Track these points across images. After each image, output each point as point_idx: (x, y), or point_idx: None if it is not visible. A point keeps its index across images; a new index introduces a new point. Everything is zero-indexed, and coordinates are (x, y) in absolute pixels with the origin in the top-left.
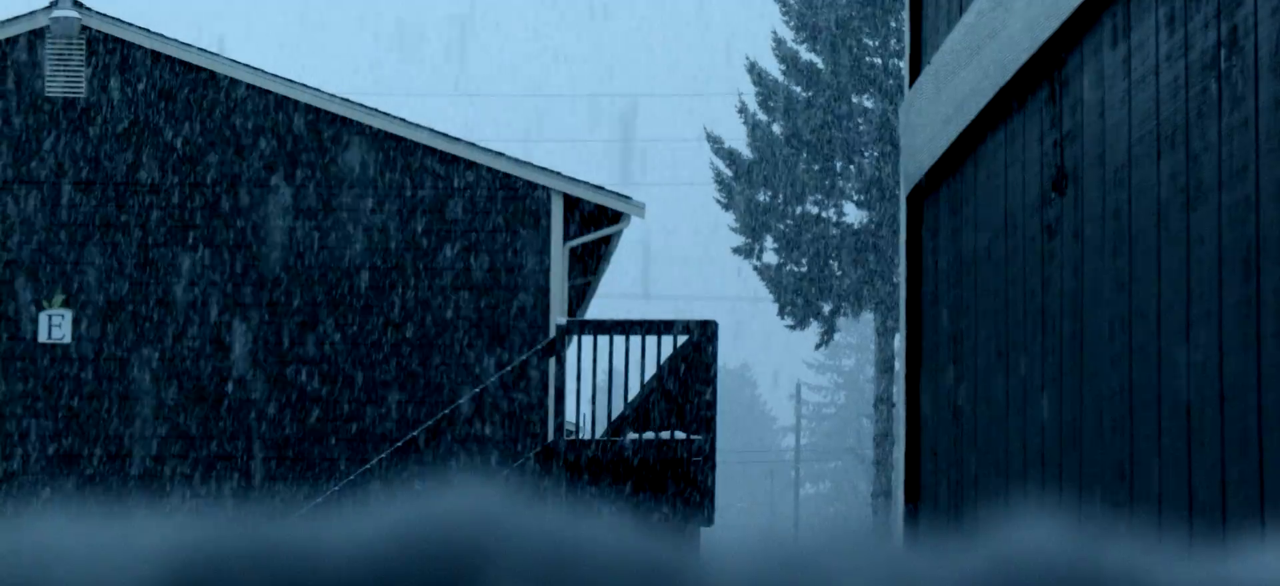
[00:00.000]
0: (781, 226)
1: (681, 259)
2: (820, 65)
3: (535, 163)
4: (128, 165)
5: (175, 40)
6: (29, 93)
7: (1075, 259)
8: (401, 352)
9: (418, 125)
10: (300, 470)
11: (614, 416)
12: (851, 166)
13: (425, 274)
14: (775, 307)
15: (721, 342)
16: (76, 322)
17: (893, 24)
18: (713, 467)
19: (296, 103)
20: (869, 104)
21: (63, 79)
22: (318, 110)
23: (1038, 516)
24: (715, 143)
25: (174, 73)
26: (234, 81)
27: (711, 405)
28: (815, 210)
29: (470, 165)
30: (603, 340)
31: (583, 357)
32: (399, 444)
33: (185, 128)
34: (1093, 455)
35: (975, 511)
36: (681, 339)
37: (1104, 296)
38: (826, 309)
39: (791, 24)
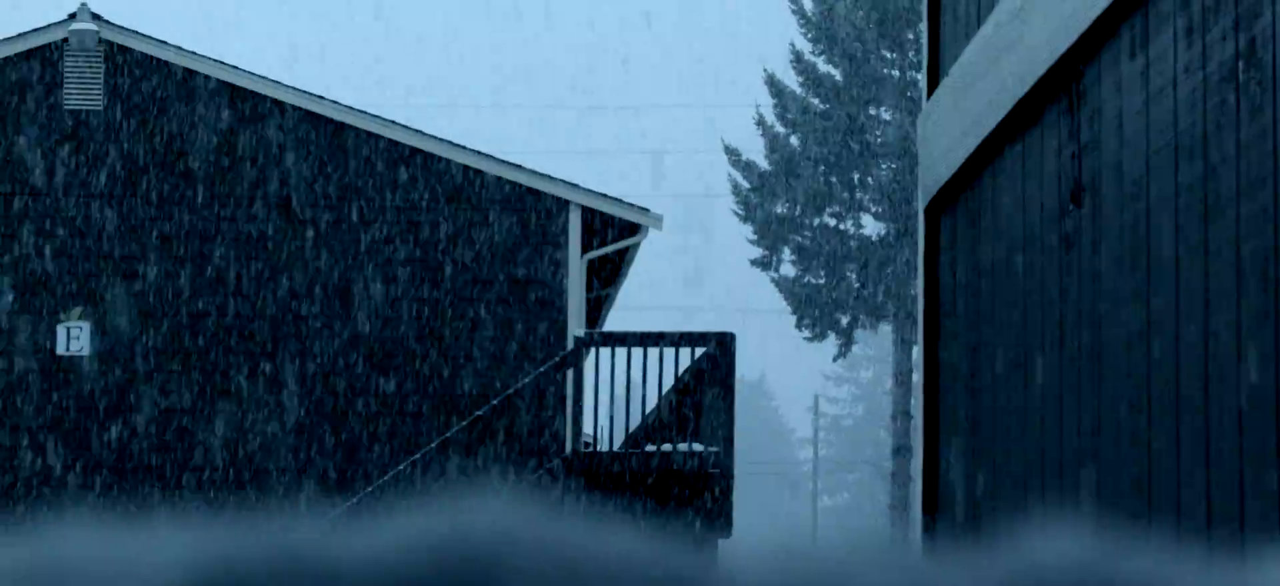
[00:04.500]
0: (799, 238)
1: (699, 271)
2: (838, 77)
3: (553, 175)
4: (146, 177)
5: (193, 52)
6: (47, 105)
7: (1093, 270)
8: (419, 364)
9: (437, 137)
10: (319, 480)
11: (632, 428)
12: (869, 179)
13: (443, 286)
14: (793, 320)
15: (739, 354)
16: (95, 336)
17: (910, 36)
18: (731, 479)
19: (315, 114)
20: (887, 116)
21: (81, 91)
22: (336, 122)
23: (1056, 527)
24: (733, 155)
25: (192, 84)
26: (253, 93)
27: (729, 417)
28: (833, 222)
29: (489, 177)
30: (621, 352)
31: (601, 369)
32: (417, 455)
33: (203, 140)
34: (1111, 466)
35: (994, 522)
36: (699, 351)
37: (1122, 308)
38: (844, 321)
39: (809, 36)
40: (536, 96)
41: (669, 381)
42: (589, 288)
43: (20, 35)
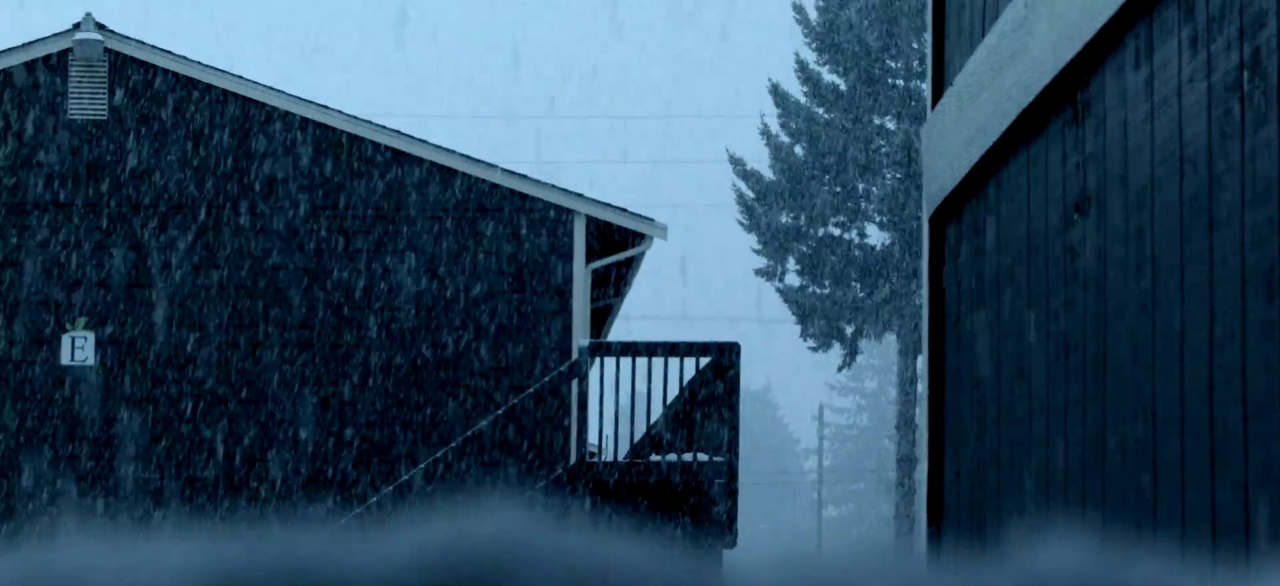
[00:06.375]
0: (804, 248)
1: (704, 281)
2: (843, 87)
3: (558, 184)
4: (150, 187)
5: (197, 62)
6: (53, 115)
7: (1098, 280)
8: (424, 373)
9: (442, 147)
10: (325, 490)
11: (637, 438)
12: (874, 188)
13: (448, 295)
14: (798, 329)
15: (744, 364)
16: (99, 345)
17: (915, 46)
18: (735, 489)
19: (318, 124)
20: (891, 125)
21: (86, 101)
22: (339, 131)
23: (1061, 538)
24: (738, 164)
25: (196, 94)
26: (255, 103)
27: (734, 427)
28: (837, 232)
29: (493, 186)
30: (625, 362)
31: (605, 379)
32: (423, 465)
33: (208, 149)
34: (1116, 476)
35: (998, 533)
36: (704, 361)
37: (1127, 317)
38: (849, 331)
39: (814, 46)
40: (541, 106)
41: (673, 391)
42: (594, 297)
43: (25, 45)
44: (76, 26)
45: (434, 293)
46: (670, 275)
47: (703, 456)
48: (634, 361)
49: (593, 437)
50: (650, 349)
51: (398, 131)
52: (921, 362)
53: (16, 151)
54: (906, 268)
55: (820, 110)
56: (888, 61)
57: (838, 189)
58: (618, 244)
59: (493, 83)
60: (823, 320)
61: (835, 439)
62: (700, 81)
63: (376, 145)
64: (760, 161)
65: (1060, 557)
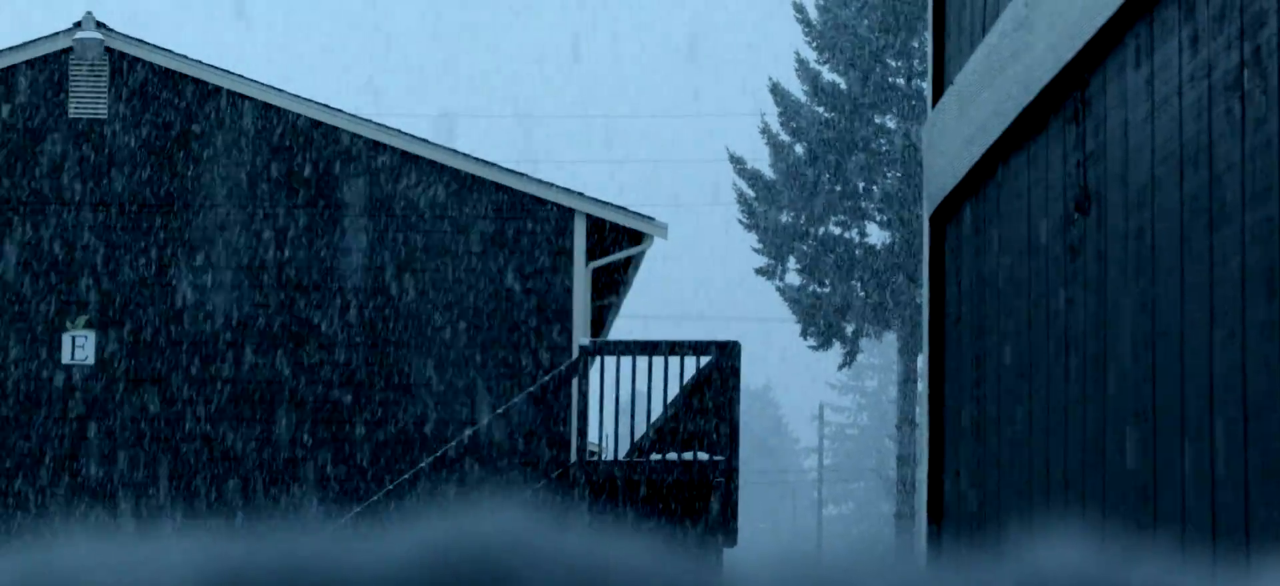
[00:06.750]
0: (804, 247)
1: (704, 280)
2: (843, 86)
3: (558, 183)
4: (150, 185)
5: (197, 61)
6: (53, 114)
7: (1098, 279)
8: (424, 373)
9: (443, 146)
10: (324, 490)
11: (637, 437)
12: (874, 187)
13: (448, 294)
14: (798, 328)
15: (744, 363)
16: (100, 344)
17: (915, 44)
18: (736, 488)
19: (318, 122)
20: (892, 124)
21: (86, 100)
22: (339, 129)
23: (1061, 537)
24: (738, 163)
25: (196, 93)
26: (254, 101)
27: (734, 426)
28: (838, 231)
29: (493, 186)
30: (625, 361)
31: (605, 378)
32: (423, 464)
33: (208, 148)
34: (1116, 475)
35: (998, 531)
36: (704, 360)
37: (1127, 317)
38: (849, 330)
39: (814, 45)
40: (542, 105)
41: (673, 390)
42: (594, 296)
43: (25, 44)
44: (77, 25)
45: (434, 291)
46: (670, 275)
47: (703, 456)
48: (634, 360)
49: (593, 437)
50: (650, 348)
51: (398, 131)
52: (921, 362)
53: (16, 150)
54: (907, 266)
55: (820, 109)
56: (888, 60)
57: (838, 188)
58: (618, 243)
59: (492, 82)
60: (823, 319)
61: (835, 438)
62: (700, 80)
63: (377, 144)
64: (760, 160)
65: (1061, 556)
